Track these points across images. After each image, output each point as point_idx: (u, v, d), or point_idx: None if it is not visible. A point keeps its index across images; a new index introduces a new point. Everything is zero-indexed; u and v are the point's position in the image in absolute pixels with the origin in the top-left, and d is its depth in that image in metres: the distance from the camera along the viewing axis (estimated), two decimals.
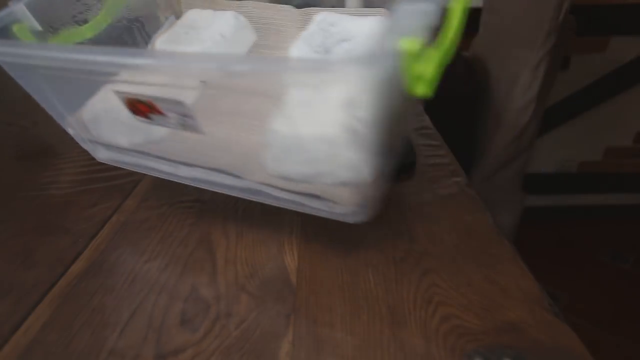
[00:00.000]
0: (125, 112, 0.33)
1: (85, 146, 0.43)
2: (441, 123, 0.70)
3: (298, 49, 0.35)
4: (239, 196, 0.36)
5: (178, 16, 0.48)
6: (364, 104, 0.24)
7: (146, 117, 0.32)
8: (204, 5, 0.45)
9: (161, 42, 0.42)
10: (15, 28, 0.36)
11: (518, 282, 0.33)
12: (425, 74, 0.23)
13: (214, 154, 0.34)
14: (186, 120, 0.30)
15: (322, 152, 0.28)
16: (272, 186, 0.32)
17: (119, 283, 0.35)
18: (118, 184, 0.51)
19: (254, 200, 0.36)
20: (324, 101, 0.27)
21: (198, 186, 0.38)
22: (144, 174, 0.53)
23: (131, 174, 0.53)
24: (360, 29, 0.35)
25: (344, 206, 0.31)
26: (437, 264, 0.36)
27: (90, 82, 0.38)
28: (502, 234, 0.40)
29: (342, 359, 0.28)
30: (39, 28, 0.39)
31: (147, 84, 0.29)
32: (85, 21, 0.43)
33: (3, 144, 0.64)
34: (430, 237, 0.39)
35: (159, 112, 0.30)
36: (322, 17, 0.37)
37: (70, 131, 0.42)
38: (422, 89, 0.24)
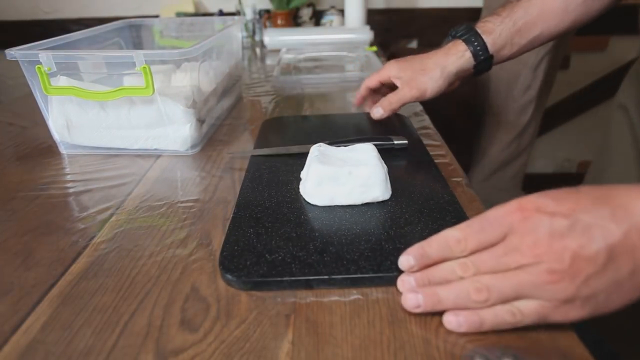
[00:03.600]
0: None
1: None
2: (441, 123, 0.70)
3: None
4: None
5: None
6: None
7: None
8: None
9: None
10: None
11: None
12: None
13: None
14: None
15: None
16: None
17: (119, 283, 0.35)
18: (118, 184, 0.51)
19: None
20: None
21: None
22: (144, 175, 0.53)
23: (131, 174, 0.53)
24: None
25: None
26: None
27: None
28: None
29: (342, 359, 0.28)
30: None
31: None
32: None
33: (3, 144, 0.64)
34: None
35: None
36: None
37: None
38: None
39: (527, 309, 0.28)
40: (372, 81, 0.63)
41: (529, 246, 0.27)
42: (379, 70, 0.62)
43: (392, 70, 0.60)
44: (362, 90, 0.65)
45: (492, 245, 0.29)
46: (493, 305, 0.28)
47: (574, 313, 0.27)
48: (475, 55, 0.57)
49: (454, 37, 0.59)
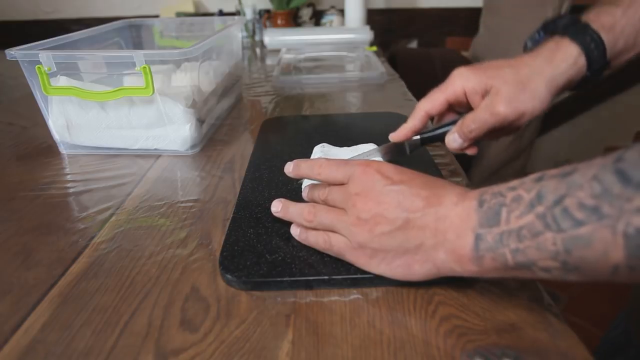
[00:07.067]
0: None
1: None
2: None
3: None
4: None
5: None
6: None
7: None
8: None
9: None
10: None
11: (518, 282, 0.33)
12: None
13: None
14: None
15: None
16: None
17: (119, 283, 0.35)
18: (118, 184, 0.51)
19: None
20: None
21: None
22: (144, 175, 0.53)
23: (131, 174, 0.53)
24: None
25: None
26: None
27: None
28: None
29: (342, 359, 0.28)
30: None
31: None
32: None
33: (3, 144, 0.64)
34: None
35: None
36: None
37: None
38: None
39: (335, 241, 0.34)
40: (436, 104, 0.42)
41: (356, 193, 0.32)
42: (444, 86, 0.42)
43: (469, 81, 0.41)
44: (416, 120, 0.43)
45: (339, 183, 0.35)
46: (315, 229, 0.35)
47: (364, 259, 0.32)
48: (590, 62, 0.39)
49: (553, 32, 0.41)
